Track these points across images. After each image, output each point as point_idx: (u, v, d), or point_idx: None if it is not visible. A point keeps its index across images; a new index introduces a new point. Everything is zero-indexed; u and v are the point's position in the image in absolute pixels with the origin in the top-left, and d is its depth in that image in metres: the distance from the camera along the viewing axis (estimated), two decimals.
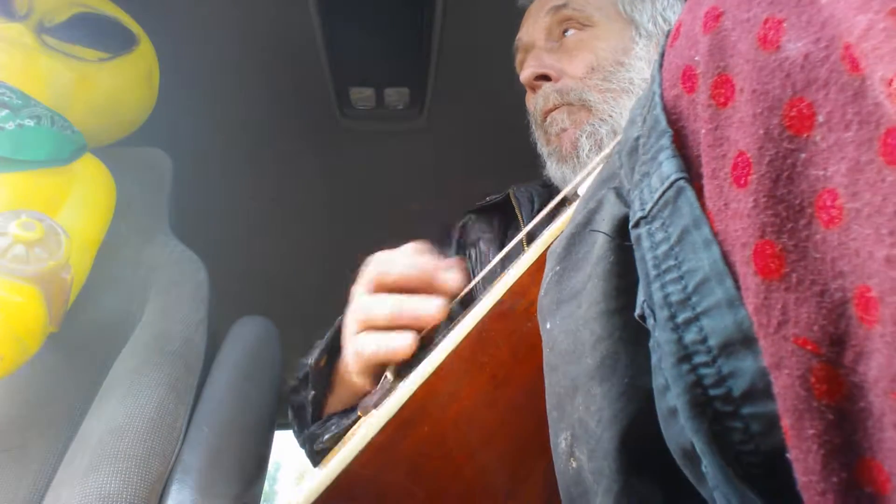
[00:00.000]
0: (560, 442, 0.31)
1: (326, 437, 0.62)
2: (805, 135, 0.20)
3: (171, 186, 1.01)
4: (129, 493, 0.60)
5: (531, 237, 0.55)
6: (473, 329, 0.41)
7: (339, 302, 0.58)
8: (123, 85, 0.94)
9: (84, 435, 0.68)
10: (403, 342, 0.50)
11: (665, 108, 0.27)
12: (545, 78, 0.76)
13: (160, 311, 0.81)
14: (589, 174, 0.47)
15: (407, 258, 0.56)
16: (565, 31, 0.77)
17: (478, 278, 0.56)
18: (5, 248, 0.65)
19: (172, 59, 1.05)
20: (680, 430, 0.24)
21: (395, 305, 0.52)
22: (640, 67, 0.73)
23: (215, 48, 1.16)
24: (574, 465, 0.30)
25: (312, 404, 0.68)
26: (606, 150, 0.47)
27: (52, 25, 0.87)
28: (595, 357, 0.28)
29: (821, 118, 0.20)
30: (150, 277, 0.86)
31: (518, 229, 0.81)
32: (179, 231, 0.96)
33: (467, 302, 0.54)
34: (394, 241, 0.63)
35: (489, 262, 0.80)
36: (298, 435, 0.74)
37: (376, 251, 0.59)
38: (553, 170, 0.76)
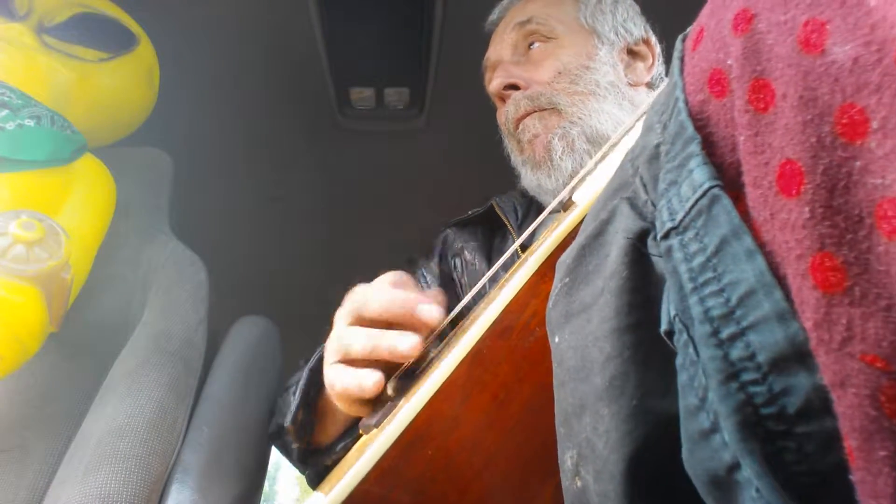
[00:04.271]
0: (566, 459, 0.30)
1: (338, 448, 0.63)
2: (859, 142, 0.19)
3: (171, 186, 1.01)
4: (129, 493, 0.59)
5: (524, 246, 0.55)
6: (473, 348, 0.40)
7: (339, 302, 0.58)
8: (123, 85, 0.94)
9: (84, 435, 0.68)
10: (371, 381, 0.48)
11: (690, 114, 0.26)
12: (514, 87, 0.78)
13: (160, 311, 0.81)
14: (581, 180, 0.46)
15: (385, 293, 0.53)
16: (531, 44, 0.79)
17: (473, 291, 0.55)
18: (5, 248, 0.65)
19: (172, 59, 1.05)
20: (711, 454, 0.23)
21: (370, 341, 0.50)
22: (605, 71, 0.76)
23: (215, 48, 1.16)
24: (579, 483, 0.29)
25: (298, 453, 0.68)
26: (598, 155, 0.46)
27: (52, 25, 0.87)
28: (604, 377, 0.28)
29: (875, 124, 0.19)
30: (150, 277, 0.86)
31: (506, 238, 0.82)
32: (179, 231, 0.96)
33: (461, 316, 0.53)
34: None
35: (477, 271, 0.81)
36: (291, 461, 0.74)
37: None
38: (528, 178, 0.77)
